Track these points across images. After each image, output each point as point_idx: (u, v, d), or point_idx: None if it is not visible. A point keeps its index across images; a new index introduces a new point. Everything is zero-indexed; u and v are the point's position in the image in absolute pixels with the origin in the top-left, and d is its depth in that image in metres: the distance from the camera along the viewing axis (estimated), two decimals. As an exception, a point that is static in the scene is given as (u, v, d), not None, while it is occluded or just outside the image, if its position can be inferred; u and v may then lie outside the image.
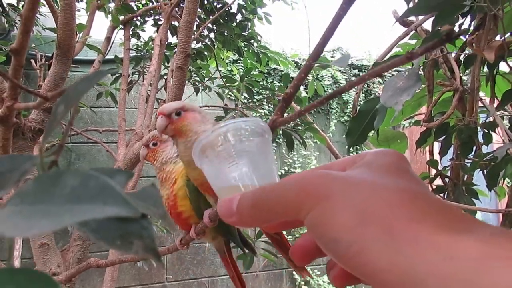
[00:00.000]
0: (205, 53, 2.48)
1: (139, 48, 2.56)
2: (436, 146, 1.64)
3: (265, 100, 3.31)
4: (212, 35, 2.54)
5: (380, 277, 0.24)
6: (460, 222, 0.24)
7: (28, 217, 0.18)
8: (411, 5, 0.80)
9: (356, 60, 4.43)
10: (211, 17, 2.40)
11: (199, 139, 0.36)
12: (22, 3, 2.95)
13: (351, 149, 1.04)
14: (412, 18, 1.44)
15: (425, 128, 1.30)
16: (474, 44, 1.11)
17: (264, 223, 0.32)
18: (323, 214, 0.26)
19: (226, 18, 2.43)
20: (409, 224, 0.24)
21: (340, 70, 4.29)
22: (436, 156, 1.53)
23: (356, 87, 4.46)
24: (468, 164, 1.35)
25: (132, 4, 2.63)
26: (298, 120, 1.89)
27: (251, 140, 0.36)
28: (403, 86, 0.64)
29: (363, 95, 4.34)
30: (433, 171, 1.54)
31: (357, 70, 4.38)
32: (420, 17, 1.36)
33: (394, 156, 0.30)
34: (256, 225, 0.33)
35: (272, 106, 2.42)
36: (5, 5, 2.83)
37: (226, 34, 2.45)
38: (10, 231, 0.17)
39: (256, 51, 2.56)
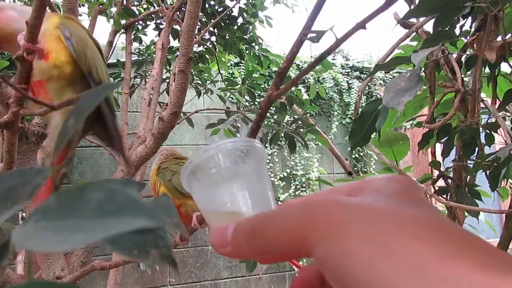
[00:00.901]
0: (207, 56, 2.49)
1: (141, 52, 2.57)
2: (438, 147, 1.64)
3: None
4: (213, 38, 2.55)
5: None
6: (494, 258, 0.21)
7: (56, 232, 0.18)
8: (412, 7, 0.81)
9: (357, 62, 4.44)
10: (212, 20, 2.41)
11: (188, 160, 0.34)
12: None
13: (353, 150, 1.04)
14: (413, 20, 1.45)
15: (427, 129, 1.30)
16: (475, 45, 1.12)
17: (263, 255, 0.28)
18: (336, 246, 0.23)
19: (227, 21, 2.44)
20: (442, 261, 0.21)
21: (341, 72, 4.30)
22: (439, 158, 1.53)
23: (357, 89, 4.46)
24: (471, 165, 1.35)
25: (134, 8, 2.64)
26: (300, 122, 1.90)
27: (246, 162, 0.34)
28: (405, 87, 0.64)
29: (365, 97, 4.34)
30: (436, 173, 1.54)
31: (358, 72, 4.39)
32: (421, 19, 1.36)
33: (405, 183, 0.27)
34: (253, 257, 0.28)
35: (273, 108, 2.42)
36: None
37: (227, 37, 2.46)
38: (40, 246, 0.17)
39: (257, 54, 2.57)
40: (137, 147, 1.35)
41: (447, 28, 0.66)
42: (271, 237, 0.26)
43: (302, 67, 4.14)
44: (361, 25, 0.37)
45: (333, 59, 4.40)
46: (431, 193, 1.21)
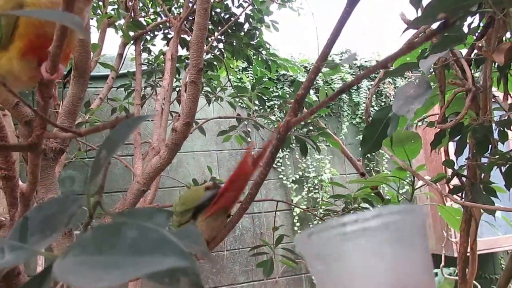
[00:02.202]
0: (215, 63, 2.51)
1: (150, 62, 2.60)
2: (451, 145, 1.63)
3: (276, 107, 3.32)
4: (221, 45, 2.57)
5: None
6: None
7: (94, 268, 0.19)
8: (420, 11, 0.81)
9: (365, 61, 4.42)
10: (219, 28, 2.44)
11: (316, 232, 0.28)
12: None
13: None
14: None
15: (439, 129, 1.30)
16: (484, 43, 1.11)
17: None
18: None
19: (234, 28, 2.46)
20: None
21: (349, 73, 4.29)
22: (452, 156, 1.52)
23: (366, 89, 4.42)
24: (485, 163, 1.35)
25: (141, 19, 2.68)
26: (311, 126, 1.90)
27: (394, 244, 0.27)
28: (414, 94, 0.65)
29: (374, 96, 4.33)
30: (450, 171, 1.53)
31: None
32: (428, 19, 1.36)
33: None
34: None
35: (283, 112, 2.43)
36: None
37: (234, 44, 2.48)
38: (78, 282, 0.18)
39: (265, 59, 2.58)
40: (151, 158, 1.37)
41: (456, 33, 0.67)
42: None
43: (309, 69, 4.15)
44: (383, 65, 0.38)
45: (340, 59, 4.40)
46: (446, 193, 1.21)
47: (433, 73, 1.30)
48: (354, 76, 4.33)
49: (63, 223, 0.26)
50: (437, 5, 0.56)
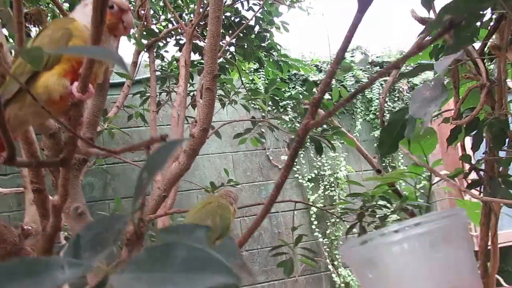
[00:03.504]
0: (227, 66, 2.54)
1: (163, 69, 2.64)
2: (468, 139, 1.63)
3: (289, 107, 3.34)
4: (232, 48, 2.60)
5: None
6: None
7: (150, 284, 0.22)
8: (431, 12, 0.82)
9: (377, 57, 4.41)
10: (230, 31, 2.46)
11: (364, 237, 0.28)
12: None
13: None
14: (432, 15, 1.45)
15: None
16: (495, 40, 1.12)
17: None
18: None
19: (244, 31, 2.49)
20: None
21: (361, 69, 4.28)
22: (468, 150, 1.52)
23: (379, 85, 4.39)
24: (502, 157, 1.34)
25: (153, 26, 2.72)
26: (325, 125, 1.92)
27: (440, 249, 0.27)
28: (430, 97, 0.66)
29: (388, 92, 4.31)
30: (467, 166, 1.53)
31: (378, 67, 4.36)
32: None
33: None
34: None
35: (297, 113, 2.44)
36: (34, 39, 2.98)
37: (246, 46, 2.50)
38: None
39: (276, 60, 2.60)
40: (170, 165, 1.40)
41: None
42: None
43: (321, 67, 4.14)
44: (395, 66, 0.40)
45: (351, 56, 4.39)
46: (464, 189, 1.21)
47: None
48: (366, 72, 4.32)
49: (112, 239, 0.28)
50: (450, 9, 0.57)
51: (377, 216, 1.75)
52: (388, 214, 1.71)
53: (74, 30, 0.65)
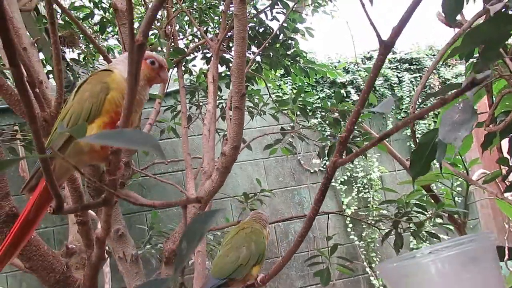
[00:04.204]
0: (254, 77, 2.56)
1: (192, 82, 2.70)
2: (505, 140, 1.58)
3: (319, 115, 3.33)
4: (258, 58, 2.62)
5: None
6: None
7: None
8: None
9: (405, 54, 4.32)
10: (255, 41, 2.49)
11: (400, 263, 0.29)
12: (82, 55, 3.22)
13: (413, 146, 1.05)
14: (458, 17, 1.42)
15: (489, 130, 1.27)
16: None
17: None
18: None
19: (269, 40, 2.50)
20: None
21: (389, 67, 4.21)
22: (505, 153, 1.48)
23: (409, 82, 4.30)
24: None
25: (180, 41, 2.78)
26: (355, 132, 1.91)
27: (471, 270, 0.28)
28: (460, 120, 0.65)
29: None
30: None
31: (407, 64, 4.28)
32: (469, 19, 1.34)
33: None
34: None
35: (327, 122, 2.42)
36: (68, 60, 3.10)
37: (271, 55, 2.52)
38: None
39: (302, 67, 2.60)
40: (204, 183, 1.43)
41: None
42: None
43: (348, 68, 4.11)
44: (418, 117, 0.41)
45: (379, 55, 4.33)
46: (502, 196, 1.18)
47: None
48: (394, 70, 4.24)
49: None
50: (475, 35, 0.57)
51: (412, 223, 1.72)
52: (424, 220, 1.68)
53: (112, 83, 0.70)
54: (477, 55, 1.56)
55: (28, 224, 0.71)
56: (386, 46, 0.51)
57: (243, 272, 1.22)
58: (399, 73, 4.22)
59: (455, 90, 0.69)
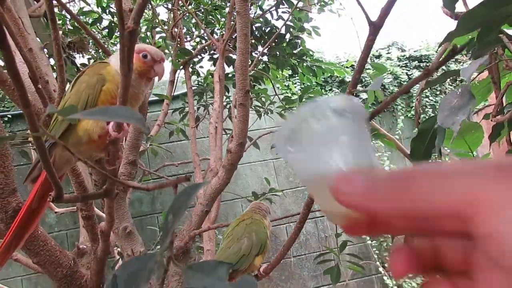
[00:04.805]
0: (261, 77, 2.57)
1: (199, 84, 2.72)
2: (514, 133, 1.55)
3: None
4: (265, 58, 2.63)
5: None
6: None
7: None
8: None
9: (414, 51, 4.29)
10: (262, 41, 2.50)
11: (282, 125, 0.33)
12: (92, 60, 3.27)
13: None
14: (463, 9, 1.41)
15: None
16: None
17: (397, 213, 0.25)
18: (490, 226, 0.22)
19: (276, 39, 2.51)
20: None
21: (399, 65, 4.18)
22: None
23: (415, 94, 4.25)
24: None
25: (187, 43, 2.80)
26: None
27: (342, 120, 0.31)
28: (458, 105, 0.65)
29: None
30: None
31: (416, 61, 4.24)
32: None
33: None
34: (381, 212, 0.26)
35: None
36: (78, 65, 3.15)
37: (278, 55, 2.52)
38: None
39: (310, 66, 2.60)
40: (211, 180, 1.44)
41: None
42: (422, 195, 0.24)
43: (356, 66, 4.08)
44: (403, 91, 0.41)
45: (388, 53, 4.30)
46: None
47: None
48: (404, 68, 4.21)
49: (144, 278, 0.31)
50: (470, 18, 0.56)
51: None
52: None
53: (107, 75, 0.71)
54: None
55: (32, 214, 0.72)
56: (375, 27, 0.51)
57: (246, 263, 1.23)
58: (408, 70, 4.19)
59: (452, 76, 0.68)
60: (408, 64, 4.23)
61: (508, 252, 0.22)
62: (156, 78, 0.80)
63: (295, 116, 0.33)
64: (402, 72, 4.13)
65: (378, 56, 4.18)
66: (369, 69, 4.07)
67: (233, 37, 2.34)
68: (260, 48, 2.50)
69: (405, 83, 4.14)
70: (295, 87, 3.83)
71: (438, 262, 0.29)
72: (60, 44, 0.80)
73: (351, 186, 0.27)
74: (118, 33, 0.70)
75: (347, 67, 3.85)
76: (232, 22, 2.06)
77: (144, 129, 0.31)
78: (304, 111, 0.32)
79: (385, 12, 0.52)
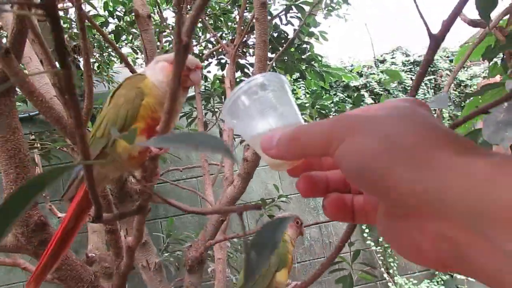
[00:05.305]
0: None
1: (206, 88, 2.69)
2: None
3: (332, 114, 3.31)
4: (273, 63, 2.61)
5: (403, 200, 0.26)
6: (474, 149, 0.27)
7: None
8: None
9: (419, 56, 4.29)
10: (270, 46, 2.47)
11: (225, 103, 0.41)
12: (97, 64, 3.24)
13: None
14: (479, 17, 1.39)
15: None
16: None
17: (298, 156, 0.36)
18: (352, 144, 0.29)
19: (285, 46, 2.49)
20: (430, 151, 0.26)
21: (403, 70, 4.17)
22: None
23: (423, 84, 4.21)
24: None
25: (194, 48, 2.78)
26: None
27: (268, 92, 0.40)
28: (505, 120, 0.62)
29: (432, 90, 4.18)
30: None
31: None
32: (493, 17, 1.31)
33: (414, 102, 0.32)
34: (290, 158, 0.36)
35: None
36: (82, 68, 3.12)
37: (286, 60, 2.50)
38: None
39: (318, 71, 2.58)
40: (226, 189, 1.41)
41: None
42: (307, 141, 0.33)
43: (361, 71, 4.08)
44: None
45: (392, 58, 4.29)
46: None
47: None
48: (409, 73, 4.21)
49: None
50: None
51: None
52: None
53: (145, 88, 0.69)
54: (501, 55, 1.52)
55: (68, 233, 0.70)
56: (436, 40, 0.49)
57: (265, 281, 1.18)
58: (413, 75, 4.18)
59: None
60: (413, 69, 4.22)
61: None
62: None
63: (231, 95, 0.41)
64: (407, 77, 4.12)
65: (383, 61, 4.17)
66: (373, 74, 4.06)
67: (243, 41, 2.32)
68: (269, 55, 2.47)
69: (410, 88, 4.13)
70: (301, 91, 3.81)
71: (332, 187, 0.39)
72: (89, 54, 0.78)
73: (270, 143, 0.36)
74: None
75: (356, 73, 3.85)
76: (242, 27, 2.04)
77: (233, 160, 0.29)
78: (237, 90, 0.41)
79: (447, 25, 0.49)
